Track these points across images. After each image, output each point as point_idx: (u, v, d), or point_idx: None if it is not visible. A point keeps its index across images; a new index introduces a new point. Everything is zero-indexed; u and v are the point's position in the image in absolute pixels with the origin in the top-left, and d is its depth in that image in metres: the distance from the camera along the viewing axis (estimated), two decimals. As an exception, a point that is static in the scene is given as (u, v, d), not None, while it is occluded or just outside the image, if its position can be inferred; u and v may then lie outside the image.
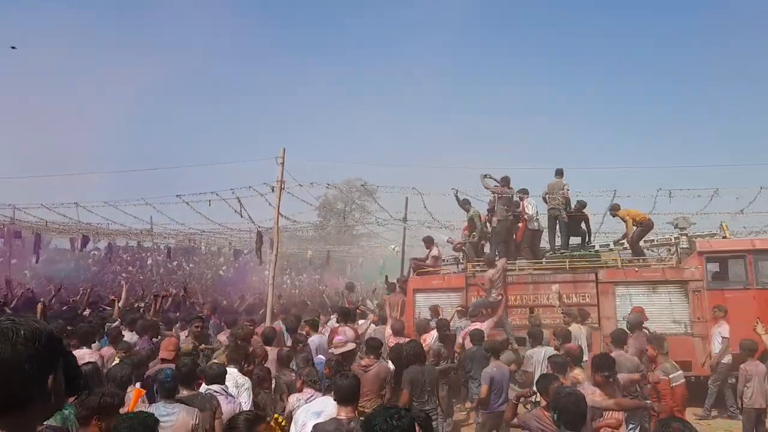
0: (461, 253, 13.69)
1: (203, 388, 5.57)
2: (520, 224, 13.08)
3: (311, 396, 5.58)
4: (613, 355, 7.18)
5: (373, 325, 11.52)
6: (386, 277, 18.94)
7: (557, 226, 13.02)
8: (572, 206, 13.15)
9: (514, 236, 13.15)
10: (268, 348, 8.13)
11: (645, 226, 12.64)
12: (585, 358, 9.18)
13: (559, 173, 13.20)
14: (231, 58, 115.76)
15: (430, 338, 9.11)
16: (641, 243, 12.73)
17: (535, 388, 5.75)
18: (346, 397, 4.44)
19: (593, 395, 5.41)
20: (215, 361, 6.57)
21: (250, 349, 7.59)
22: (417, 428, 3.23)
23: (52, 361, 1.53)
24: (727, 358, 10.03)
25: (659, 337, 7.71)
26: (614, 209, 13.08)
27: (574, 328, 9.50)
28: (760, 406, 7.71)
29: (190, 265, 35.96)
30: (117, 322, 10.17)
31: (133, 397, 5.12)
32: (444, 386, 8.63)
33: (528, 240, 12.87)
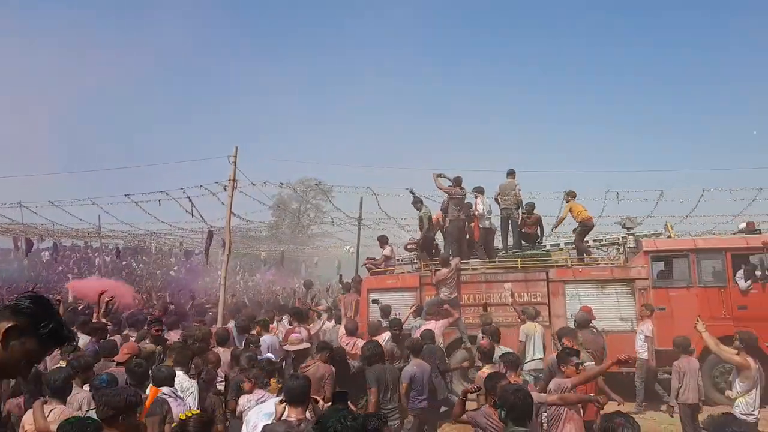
0: (415, 253, 13.75)
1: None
2: (473, 224, 13.20)
3: (261, 397, 5.51)
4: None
5: (329, 324, 11.50)
6: (340, 276, 18.88)
7: (509, 226, 13.19)
8: (523, 207, 13.34)
9: (469, 236, 13.26)
10: (221, 349, 8.01)
11: (585, 226, 12.92)
12: (540, 356, 9.38)
13: (511, 174, 13.38)
14: (182, 56, 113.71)
15: (382, 339, 9.09)
16: (584, 242, 13.03)
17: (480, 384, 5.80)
18: (296, 398, 4.40)
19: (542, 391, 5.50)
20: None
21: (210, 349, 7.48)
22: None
23: None
24: (645, 354, 10.43)
25: (572, 330, 8.18)
26: (570, 195, 13.26)
27: (529, 326, 9.61)
28: (693, 401, 7.96)
29: (140, 266, 35.16)
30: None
31: (150, 395, 5.18)
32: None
33: (481, 239, 13.00)
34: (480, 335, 8.96)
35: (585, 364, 6.80)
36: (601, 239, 14.23)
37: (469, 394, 5.44)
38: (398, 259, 13.94)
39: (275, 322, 11.46)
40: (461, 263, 12.24)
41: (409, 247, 14.32)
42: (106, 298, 10.37)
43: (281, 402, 4.53)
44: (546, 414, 5.55)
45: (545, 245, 13.76)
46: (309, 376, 6.17)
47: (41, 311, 1.81)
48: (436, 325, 10.03)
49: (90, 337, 8.64)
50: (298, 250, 39.11)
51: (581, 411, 5.77)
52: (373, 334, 9.66)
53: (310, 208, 47.94)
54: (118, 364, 5.91)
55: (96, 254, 33.17)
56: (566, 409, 5.53)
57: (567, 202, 13.12)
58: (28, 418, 4.99)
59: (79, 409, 5.29)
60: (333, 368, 6.94)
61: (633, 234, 12.52)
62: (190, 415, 4.01)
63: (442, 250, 13.21)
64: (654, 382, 10.63)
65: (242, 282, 34.18)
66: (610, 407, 5.85)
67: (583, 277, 11.67)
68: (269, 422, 4.52)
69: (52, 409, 4.96)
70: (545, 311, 11.44)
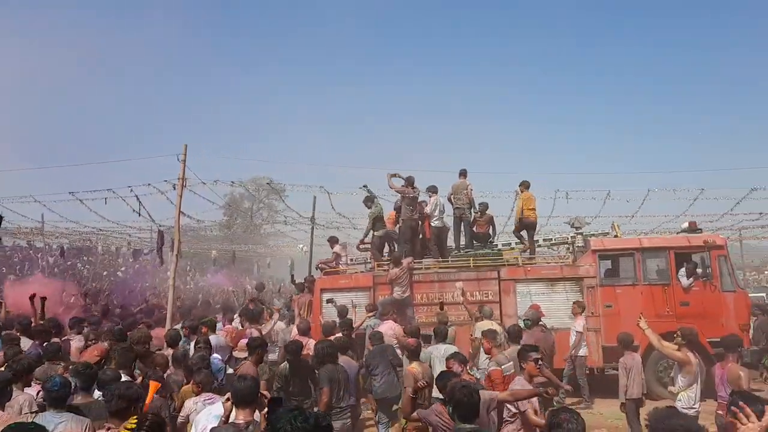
0: (369, 253, 13.71)
1: (97, 394, 5.27)
2: (425, 223, 13.24)
3: (209, 399, 5.39)
4: (510, 350, 7.46)
5: (281, 325, 11.35)
6: (292, 276, 18.71)
7: (462, 226, 13.30)
8: (476, 206, 13.47)
9: (421, 235, 13.30)
10: (172, 351, 7.81)
11: (523, 223, 13.14)
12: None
13: (463, 174, 13.49)
14: (132, 53, 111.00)
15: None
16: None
17: (423, 382, 5.81)
18: (244, 399, 4.31)
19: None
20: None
21: (156, 352, 7.29)
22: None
23: None
24: (583, 350, 10.72)
25: (492, 331, 8.38)
26: (524, 185, 13.35)
27: (485, 324, 9.61)
28: (638, 396, 8.17)
29: (86, 267, 34.08)
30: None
31: (151, 390, 5.27)
32: None
33: (433, 238, 13.05)
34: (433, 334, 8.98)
35: (503, 366, 7.05)
36: (551, 239, 14.50)
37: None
38: (351, 259, 13.87)
39: (232, 322, 11.21)
40: (414, 263, 12.27)
41: (361, 246, 14.28)
42: (39, 300, 10.08)
43: (227, 400, 4.43)
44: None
45: (497, 244, 13.92)
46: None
47: None
48: (393, 325, 10.02)
49: (33, 341, 8.35)
50: (250, 250, 38.58)
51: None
52: (328, 334, 9.58)
53: (262, 207, 47.47)
54: (89, 365, 5.65)
55: (39, 254, 32.01)
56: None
57: (523, 190, 13.24)
58: None
59: (20, 412, 5.08)
60: (257, 371, 6.89)
61: (581, 233, 12.78)
62: (133, 424, 3.84)
63: (396, 249, 13.20)
64: (582, 376, 10.84)
65: (192, 283, 33.55)
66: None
67: (533, 275, 11.87)
68: (217, 424, 4.42)
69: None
70: (496, 309, 11.56)
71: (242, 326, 10.66)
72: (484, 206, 13.72)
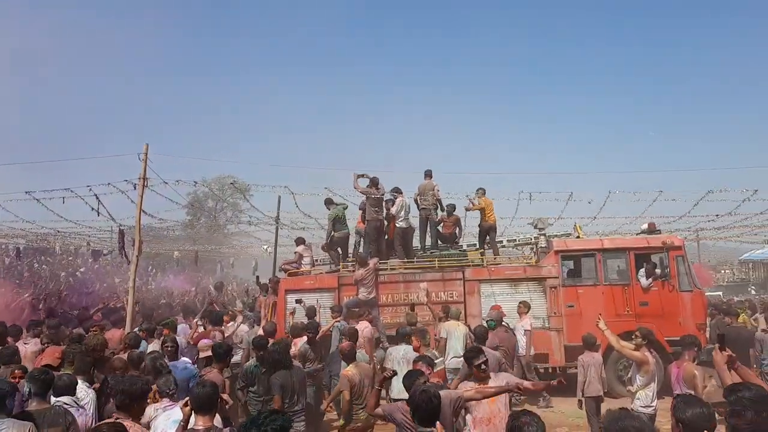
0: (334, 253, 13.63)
1: (53, 400, 5.11)
2: (391, 223, 13.23)
3: (169, 404, 5.28)
4: None
5: (245, 327, 11.20)
6: (257, 277, 18.49)
7: (428, 227, 13.33)
8: (443, 207, 13.52)
9: (386, 236, 13.28)
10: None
11: (483, 227, 13.32)
12: (460, 354, 9.42)
13: (428, 175, 13.51)
14: (92, 50, 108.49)
15: (301, 342, 8.96)
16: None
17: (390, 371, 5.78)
18: (203, 405, 4.24)
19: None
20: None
21: (114, 356, 7.09)
22: None
23: None
24: (532, 350, 10.80)
25: (422, 330, 8.68)
26: (483, 191, 13.47)
27: (451, 324, 9.66)
28: (597, 394, 8.32)
29: (43, 267, 33.13)
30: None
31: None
32: (312, 387, 8.53)
33: (398, 238, 13.04)
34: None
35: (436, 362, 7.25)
36: (515, 239, 14.65)
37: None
38: (316, 260, 13.78)
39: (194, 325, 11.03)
40: (380, 263, 12.26)
41: (326, 248, 14.20)
42: None
43: (185, 405, 4.35)
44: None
45: (462, 245, 14.00)
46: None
47: None
48: (366, 326, 10.00)
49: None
50: (213, 250, 38.07)
51: None
52: (296, 335, 9.49)
53: (226, 206, 46.91)
54: (45, 370, 5.44)
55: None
56: None
57: (480, 196, 13.38)
58: None
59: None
60: (224, 379, 6.79)
61: (544, 234, 12.94)
62: None
63: (361, 250, 13.15)
64: (532, 374, 10.95)
65: (153, 284, 32.92)
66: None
67: (497, 276, 11.96)
68: (175, 430, 4.34)
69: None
70: (461, 310, 11.63)
71: (204, 328, 10.51)
72: (452, 207, 13.78)
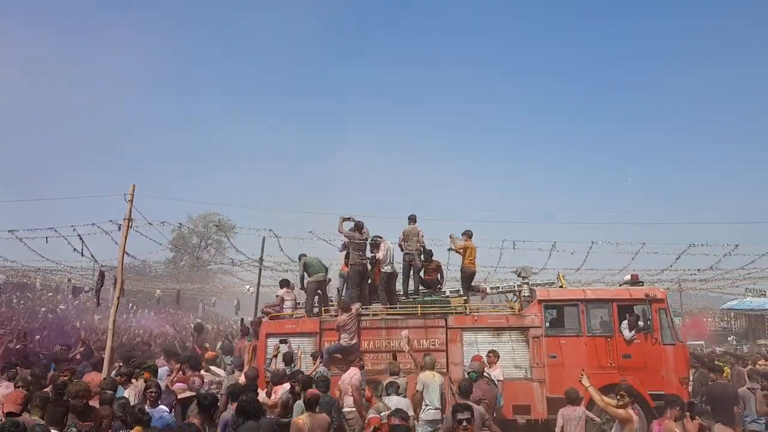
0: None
1: None
2: (376, 268, 13.17)
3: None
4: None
5: (221, 372, 10.99)
6: (242, 320, 18.24)
7: (411, 272, 13.28)
8: (420, 254, 13.46)
9: (370, 280, 13.20)
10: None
11: (465, 272, 13.28)
12: (437, 406, 9.27)
13: (413, 219, 13.52)
14: (80, 91, 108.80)
15: (282, 390, 8.77)
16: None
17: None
18: None
19: None
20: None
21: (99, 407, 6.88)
22: None
23: None
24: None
25: (375, 380, 8.91)
26: (469, 234, 13.45)
27: (427, 375, 9.45)
28: None
29: (21, 303, 32.54)
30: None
31: None
32: None
33: (382, 283, 12.97)
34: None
35: (381, 414, 7.58)
36: (498, 287, 14.60)
37: None
38: (298, 303, 13.62)
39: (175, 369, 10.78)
40: (362, 308, 12.15)
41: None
42: None
43: None
44: None
45: (445, 291, 13.93)
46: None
47: None
48: (355, 372, 9.84)
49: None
50: (196, 289, 37.65)
51: None
52: (276, 383, 9.32)
53: (211, 243, 46.62)
54: (16, 423, 5.24)
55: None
56: None
57: (467, 240, 13.37)
58: None
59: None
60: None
61: (527, 283, 12.91)
62: None
63: (344, 294, 13.02)
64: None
65: (134, 321, 32.40)
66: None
67: (480, 324, 11.86)
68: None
69: None
70: (443, 358, 11.52)
71: (184, 373, 10.27)
72: (430, 254, 13.75)
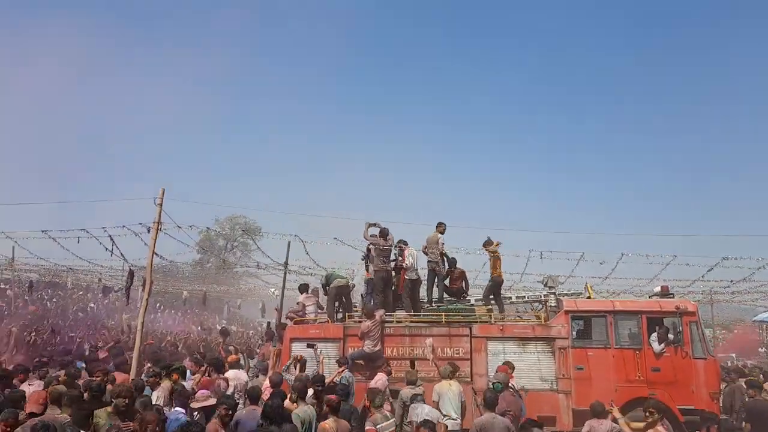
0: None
1: None
2: (401, 275, 13.11)
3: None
4: (485, 417, 7.38)
5: (243, 376, 10.99)
6: (268, 323, 18.32)
7: (435, 279, 13.19)
8: (447, 260, 13.39)
9: (394, 287, 13.15)
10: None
11: (495, 281, 13.18)
12: (455, 416, 9.17)
13: (439, 226, 13.46)
14: (112, 93, 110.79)
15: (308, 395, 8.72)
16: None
17: None
18: None
19: None
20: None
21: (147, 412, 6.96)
22: None
23: None
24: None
25: (373, 390, 8.73)
26: (488, 244, 13.44)
27: (443, 385, 9.34)
28: None
29: (53, 300, 33.19)
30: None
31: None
32: None
33: (407, 290, 12.91)
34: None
35: (378, 426, 7.66)
36: (524, 296, 14.43)
37: None
38: (321, 308, 13.61)
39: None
40: (386, 315, 12.09)
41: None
42: None
43: None
44: None
45: (470, 299, 13.81)
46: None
47: None
48: (383, 378, 9.84)
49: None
50: (222, 291, 38.03)
51: None
52: (299, 389, 9.29)
53: (237, 246, 47.06)
54: (47, 425, 5.30)
55: (8, 286, 31.27)
56: None
57: (487, 250, 13.31)
58: None
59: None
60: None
61: (554, 293, 12.72)
62: None
63: (367, 302, 12.97)
64: None
65: (161, 321, 32.82)
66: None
67: (505, 334, 11.71)
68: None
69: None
70: (467, 367, 11.40)
71: (209, 375, 10.31)
72: (453, 262, 13.66)
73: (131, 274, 17.76)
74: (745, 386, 11.48)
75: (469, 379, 11.18)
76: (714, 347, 11.81)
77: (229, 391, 9.37)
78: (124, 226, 13.72)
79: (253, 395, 7.94)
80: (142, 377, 10.39)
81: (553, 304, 12.49)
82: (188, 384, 9.18)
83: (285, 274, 18.30)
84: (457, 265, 13.72)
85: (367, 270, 13.33)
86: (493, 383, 9.11)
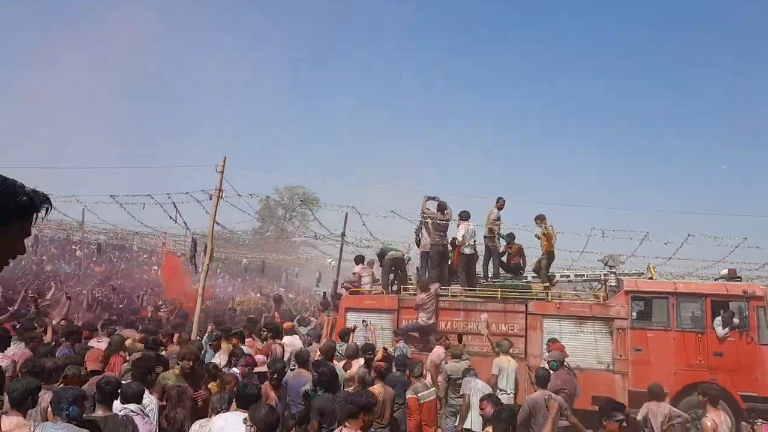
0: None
1: (118, 407, 5.26)
2: (456, 249, 13.09)
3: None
4: (537, 394, 7.37)
5: (298, 342, 11.27)
6: (324, 293, 18.67)
7: (491, 255, 13.12)
8: (498, 237, 13.27)
9: (450, 261, 13.15)
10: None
11: (552, 256, 13.07)
12: (510, 391, 9.21)
13: (498, 201, 13.34)
14: (177, 61, 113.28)
15: (357, 364, 8.90)
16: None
17: None
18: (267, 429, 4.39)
19: None
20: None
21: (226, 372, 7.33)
22: None
23: None
24: None
25: (413, 360, 8.99)
26: (540, 218, 13.18)
27: (503, 360, 9.43)
28: None
29: (122, 266, 34.68)
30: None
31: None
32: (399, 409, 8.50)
33: (462, 265, 12.90)
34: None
35: (419, 394, 8.04)
36: (583, 275, 14.18)
37: None
38: (377, 280, 13.77)
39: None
40: (441, 289, 12.13)
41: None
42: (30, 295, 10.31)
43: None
44: None
45: (527, 276, 13.68)
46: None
47: None
48: (441, 352, 10.03)
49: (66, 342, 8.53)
50: (280, 260, 38.85)
51: None
52: (351, 357, 9.49)
53: (295, 215, 47.86)
54: (109, 380, 5.63)
55: (77, 247, 32.87)
56: None
57: (542, 224, 13.10)
58: None
59: (46, 414, 5.12)
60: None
61: (615, 273, 12.46)
62: None
63: (423, 276, 13.04)
64: None
65: (222, 287, 33.88)
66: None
67: (562, 312, 11.58)
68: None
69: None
70: (521, 344, 11.35)
71: (264, 341, 10.64)
72: (511, 237, 13.52)
73: (194, 242, 18.32)
74: None
75: (523, 356, 11.15)
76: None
77: (286, 357, 9.63)
78: (187, 193, 14.09)
79: (300, 359, 8.14)
80: (203, 340, 10.82)
81: (612, 284, 12.24)
82: (247, 349, 9.49)
83: (342, 244, 18.53)
84: (515, 241, 13.58)
85: (418, 244, 13.38)
86: (549, 361, 9.06)
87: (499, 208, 13.27)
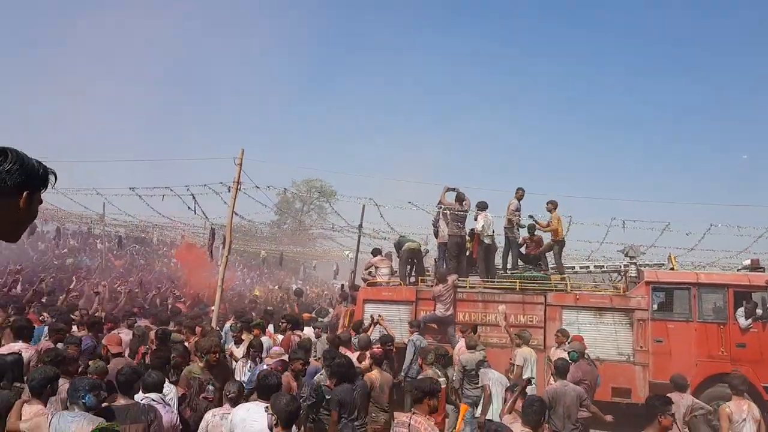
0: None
1: (140, 396, 5.31)
2: (474, 240, 13.06)
3: (227, 412, 5.39)
4: (557, 385, 7.32)
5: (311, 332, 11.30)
6: (342, 285, 18.72)
7: (510, 246, 13.06)
8: (517, 228, 13.20)
9: (469, 252, 13.12)
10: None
11: (562, 244, 13.01)
12: (533, 383, 9.16)
13: (517, 192, 13.26)
14: (194, 56, 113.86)
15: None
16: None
17: None
18: (288, 419, 4.45)
19: None
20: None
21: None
22: None
23: None
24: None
25: (425, 348, 9.03)
26: (554, 204, 13.16)
27: (526, 351, 9.43)
28: None
29: (141, 261, 35.02)
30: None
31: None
32: None
33: (480, 256, 12.86)
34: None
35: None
36: (603, 266, 14.06)
37: None
38: (394, 272, 13.77)
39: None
40: (459, 280, 12.10)
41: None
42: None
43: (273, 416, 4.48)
44: None
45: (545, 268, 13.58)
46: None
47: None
48: (460, 345, 9.97)
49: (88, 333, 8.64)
50: (298, 253, 39.02)
51: None
52: (364, 348, 9.51)
53: (312, 208, 48.06)
54: (131, 369, 5.68)
55: (99, 240, 33.26)
56: None
57: (552, 212, 13.03)
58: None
59: (65, 403, 5.17)
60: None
61: (635, 263, 12.33)
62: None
63: (440, 267, 13.02)
64: None
65: (241, 279, 34.11)
66: None
67: (581, 303, 11.50)
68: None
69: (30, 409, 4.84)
70: (540, 335, 11.30)
71: (283, 333, 10.69)
72: (532, 227, 13.44)
73: (212, 232, 18.45)
74: None
75: (542, 348, 11.09)
76: None
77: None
78: (205, 185, 14.18)
79: (302, 348, 8.21)
80: (222, 331, 10.91)
81: (633, 275, 12.12)
82: (267, 340, 9.54)
83: (359, 236, 18.55)
84: (535, 232, 13.50)
85: (436, 235, 13.35)
86: (569, 352, 9.00)
87: (519, 199, 13.20)
